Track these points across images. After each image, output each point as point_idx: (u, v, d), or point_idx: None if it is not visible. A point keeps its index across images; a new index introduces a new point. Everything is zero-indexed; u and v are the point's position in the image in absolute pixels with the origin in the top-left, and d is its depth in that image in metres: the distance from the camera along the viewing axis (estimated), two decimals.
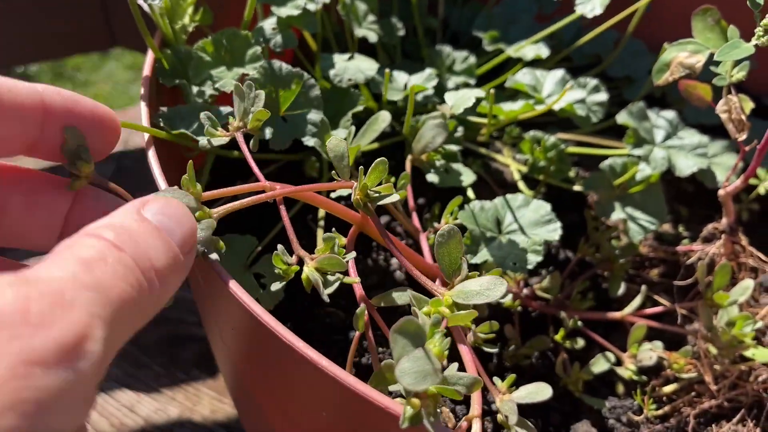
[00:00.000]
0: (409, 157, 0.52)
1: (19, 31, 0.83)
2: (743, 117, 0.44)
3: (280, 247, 0.36)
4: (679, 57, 0.46)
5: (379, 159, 0.36)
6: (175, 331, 0.77)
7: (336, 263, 0.35)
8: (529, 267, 0.47)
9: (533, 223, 0.49)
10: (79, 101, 0.33)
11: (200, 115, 0.39)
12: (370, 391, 0.30)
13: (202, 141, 0.40)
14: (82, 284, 0.23)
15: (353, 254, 0.37)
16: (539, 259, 0.47)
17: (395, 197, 0.37)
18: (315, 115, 0.48)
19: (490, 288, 0.32)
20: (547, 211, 0.49)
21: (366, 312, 0.37)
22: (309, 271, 0.35)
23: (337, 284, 0.35)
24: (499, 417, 0.41)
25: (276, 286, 0.37)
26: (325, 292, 0.34)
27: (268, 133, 0.46)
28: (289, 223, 0.37)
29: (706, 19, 0.45)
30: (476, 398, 0.34)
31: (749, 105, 0.47)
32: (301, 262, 0.37)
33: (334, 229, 0.44)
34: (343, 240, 0.45)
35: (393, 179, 0.50)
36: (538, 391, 0.40)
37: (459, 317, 0.32)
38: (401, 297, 0.38)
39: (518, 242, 0.48)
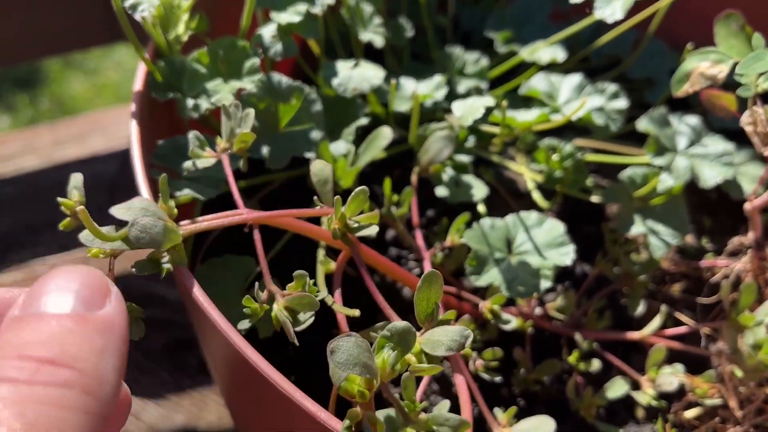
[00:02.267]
0: (416, 169, 0.50)
1: (19, 27, 0.81)
2: None
3: (257, 284, 0.35)
4: (701, 67, 0.43)
5: (359, 188, 0.34)
6: (181, 335, 0.75)
7: (307, 303, 0.34)
8: (536, 293, 0.44)
9: (545, 244, 0.46)
10: None
11: (189, 135, 0.37)
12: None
13: (187, 164, 0.38)
14: None
15: (324, 293, 0.36)
16: (548, 284, 0.45)
17: (374, 229, 0.35)
18: (317, 134, 0.46)
19: (456, 339, 0.31)
20: (560, 232, 0.46)
21: None
22: (278, 310, 0.34)
23: (307, 324, 0.34)
24: None
25: (243, 325, 0.35)
26: (293, 333, 0.33)
27: (265, 150, 0.43)
28: (263, 254, 0.36)
29: (730, 25, 0.42)
30: None
31: None
32: (272, 299, 0.35)
33: (323, 255, 0.42)
34: (331, 266, 0.43)
35: (377, 211, 0.48)
36: (540, 426, 0.38)
37: (425, 369, 0.31)
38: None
39: (528, 265, 0.45)
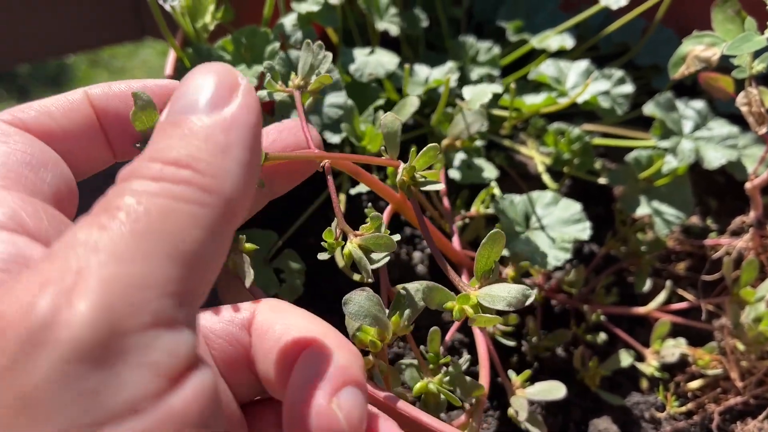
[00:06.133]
0: (443, 142, 0.52)
1: (49, 23, 0.85)
2: (763, 110, 0.43)
3: (334, 222, 0.35)
4: (695, 50, 0.45)
5: (431, 144, 0.35)
6: None
7: (384, 243, 0.33)
8: (557, 264, 0.46)
9: (562, 221, 0.48)
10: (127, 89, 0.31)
11: (264, 65, 0.39)
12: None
13: (261, 93, 0.38)
14: None
15: (398, 236, 0.35)
16: (567, 256, 0.47)
17: (440, 186, 0.36)
18: (337, 98, 0.48)
19: (517, 296, 0.31)
20: (577, 210, 0.49)
21: None
22: (352, 247, 0.34)
23: (382, 263, 0.34)
24: (510, 411, 0.41)
25: (323, 256, 0.35)
26: (369, 269, 0.33)
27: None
28: (335, 193, 0.35)
29: (726, 11, 0.44)
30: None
31: None
32: (344, 238, 0.35)
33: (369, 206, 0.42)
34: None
35: (440, 166, 0.50)
36: (552, 390, 0.40)
37: (483, 319, 0.32)
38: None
39: (546, 238, 0.47)
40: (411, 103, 0.48)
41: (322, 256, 0.34)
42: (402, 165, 0.35)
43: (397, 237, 0.33)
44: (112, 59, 1.98)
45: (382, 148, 0.37)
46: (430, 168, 0.35)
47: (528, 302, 0.31)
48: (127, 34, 0.94)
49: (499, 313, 0.33)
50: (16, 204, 0.25)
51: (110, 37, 0.95)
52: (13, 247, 0.24)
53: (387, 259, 0.34)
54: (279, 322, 0.28)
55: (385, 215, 0.40)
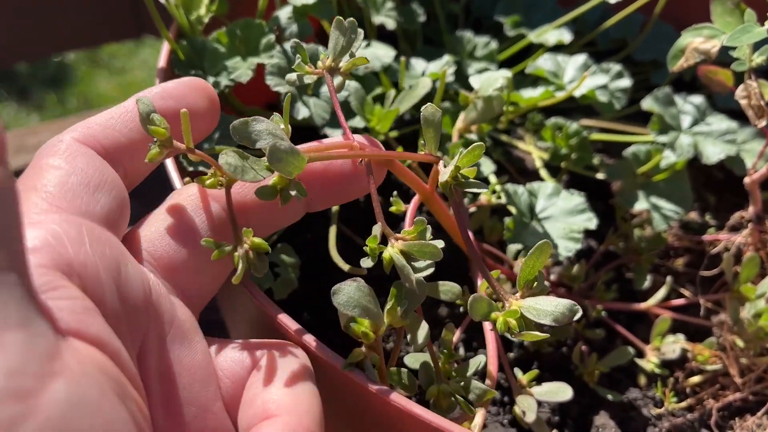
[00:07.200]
0: (456, 126, 0.51)
1: (50, 20, 0.85)
2: (762, 103, 0.43)
3: (375, 227, 0.32)
4: (694, 42, 0.45)
5: (477, 142, 0.33)
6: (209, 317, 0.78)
7: (429, 251, 0.31)
8: (569, 254, 0.46)
9: (567, 212, 0.48)
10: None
11: (287, 46, 0.39)
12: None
13: (290, 76, 0.37)
14: None
15: (442, 242, 0.32)
16: (578, 246, 0.46)
17: (485, 188, 0.34)
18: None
19: (564, 312, 0.30)
20: (580, 200, 0.49)
21: None
22: (393, 252, 0.31)
23: (427, 273, 0.32)
24: (516, 410, 0.41)
25: (366, 263, 0.32)
26: (413, 278, 0.31)
27: (304, 111, 0.46)
28: (375, 193, 0.33)
29: (726, 3, 0.44)
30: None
31: None
32: (384, 240, 0.33)
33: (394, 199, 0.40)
34: (401, 207, 0.41)
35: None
36: (559, 391, 0.40)
37: (530, 336, 0.30)
38: (449, 292, 0.37)
39: (554, 229, 0.47)
40: (423, 84, 0.47)
41: (366, 263, 0.32)
42: (441, 162, 0.34)
43: (441, 244, 0.31)
44: (112, 59, 1.98)
45: (421, 142, 0.35)
46: (472, 167, 0.33)
47: (575, 318, 0.30)
48: (125, 32, 0.94)
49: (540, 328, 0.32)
50: (61, 227, 0.27)
51: (109, 36, 0.96)
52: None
53: (432, 269, 0.32)
54: (260, 384, 0.30)
55: (411, 207, 0.38)
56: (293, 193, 0.31)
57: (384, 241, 0.32)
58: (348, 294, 0.30)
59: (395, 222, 0.52)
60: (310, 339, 0.33)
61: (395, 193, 0.41)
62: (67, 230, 0.27)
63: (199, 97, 0.34)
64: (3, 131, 0.22)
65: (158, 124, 0.30)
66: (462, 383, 0.35)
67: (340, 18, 0.36)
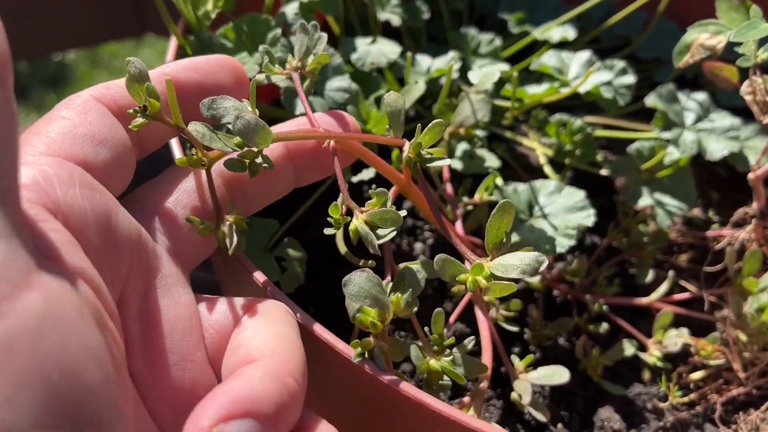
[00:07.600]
0: (447, 130, 0.52)
1: (51, 18, 0.85)
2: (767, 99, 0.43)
3: (339, 198, 0.35)
4: (700, 38, 0.45)
5: (436, 120, 0.35)
6: None
7: (390, 218, 0.33)
8: (562, 250, 0.46)
9: (566, 209, 0.48)
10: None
11: (259, 49, 0.39)
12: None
13: (260, 77, 0.39)
14: None
15: (404, 211, 0.34)
16: (572, 243, 0.47)
17: (447, 161, 0.36)
18: (342, 81, 0.48)
19: (530, 264, 0.31)
20: (580, 197, 0.49)
21: None
22: (358, 223, 0.34)
23: (388, 238, 0.34)
24: (513, 396, 0.41)
25: (329, 231, 0.35)
26: (377, 245, 0.33)
27: (301, 107, 0.46)
28: (340, 171, 0.35)
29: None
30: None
31: None
32: (349, 214, 0.35)
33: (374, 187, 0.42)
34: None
35: (445, 146, 0.50)
36: (555, 374, 0.40)
37: (498, 287, 0.32)
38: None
39: (550, 226, 0.47)
40: (418, 88, 0.48)
41: (329, 231, 0.35)
42: (407, 142, 0.35)
43: (403, 212, 0.33)
44: (112, 59, 1.98)
45: (387, 128, 0.37)
46: (435, 146, 0.35)
47: (542, 269, 0.31)
48: (127, 30, 0.94)
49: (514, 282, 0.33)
50: (52, 168, 0.28)
51: (110, 34, 0.96)
52: None
53: (393, 233, 0.33)
54: (244, 333, 0.31)
55: (392, 194, 0.39)
56: (259, 161, 0.33)
57: (350, 214, 0.34)
58: (359, 284, 0.31)
59: None
60: (319, 328, 0.34)
61: (374, 186, 0.43)
62: (58, 172, 0.28)
63: (228, 76, 0.36)
64: (7, 48, 0.22)
65: (144, 92, 0.32)
66: (452, 358, 0.35)
67: (304, 22, 0.38)
